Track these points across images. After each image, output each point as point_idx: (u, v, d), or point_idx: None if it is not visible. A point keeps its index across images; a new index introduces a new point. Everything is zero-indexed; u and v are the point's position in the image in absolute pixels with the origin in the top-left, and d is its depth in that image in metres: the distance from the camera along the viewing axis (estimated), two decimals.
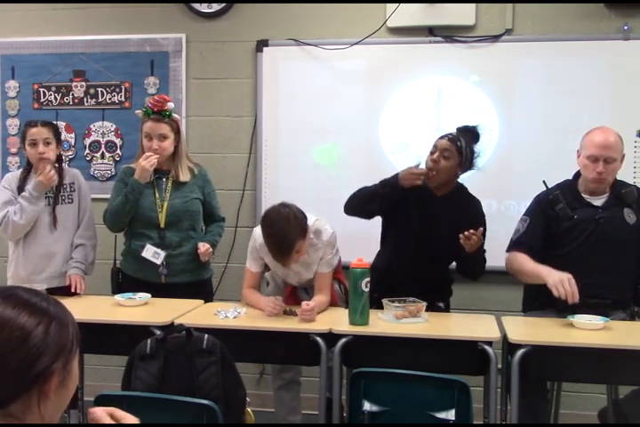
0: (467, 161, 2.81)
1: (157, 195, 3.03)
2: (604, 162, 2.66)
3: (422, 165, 2.81)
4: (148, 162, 2.91)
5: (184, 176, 3.05)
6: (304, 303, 2.59)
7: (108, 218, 3.03)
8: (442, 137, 2.83)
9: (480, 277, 2.91)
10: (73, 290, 2.96)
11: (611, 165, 2.68)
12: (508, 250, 2.83)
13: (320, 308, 2.70)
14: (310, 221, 2.78)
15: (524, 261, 2.70)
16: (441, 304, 2.92)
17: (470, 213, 2.86)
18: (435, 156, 2.78)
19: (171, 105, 3.02)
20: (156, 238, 3.01)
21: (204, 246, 3.00)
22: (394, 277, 2.86)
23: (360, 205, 2.83)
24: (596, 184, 2.73)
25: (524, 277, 2.74)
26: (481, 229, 2.66)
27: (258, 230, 2.80)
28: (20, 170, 3.15)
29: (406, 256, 2.86)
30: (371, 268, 2.57)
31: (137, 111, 3.10)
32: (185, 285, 3.03)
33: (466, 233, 2.62)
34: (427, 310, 2.65)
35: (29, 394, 0.99)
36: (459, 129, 2.87)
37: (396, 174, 2.76)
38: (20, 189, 3.03)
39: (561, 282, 2.48)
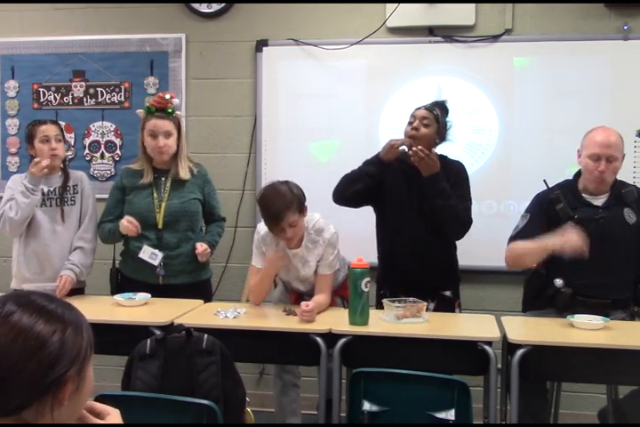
0: (443, 129, 2.87)
1: (156, 195, 3.02)
2: (605, 161, 2.66)
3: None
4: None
5: (184, 174, 3.04)
6: (303, 304, 2.59)
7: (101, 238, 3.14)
8: (418, 108, 2.88)
9: (459, 237, 2.87)
10: (58, 292, 2.90)
11: (612, 164, 2.68)
12: (508, 245, 2.82)
13: (319, 308, 2.70)
14: (314, 218, 2.82)
15: (522, 243, 2.69)
16: (447, 293, 2.89)
17: (452, 171, 2.86)
18: (415, 124, 2.82)
19: (175, 101, 3.01)
20: (154, 239, 3.00)
21: (201, 246, 2.97)
22: (398, 266, 2.87)
23: (347, 186, 2.87)
24: (597, 184, 2.72)
25: (526, 258, 2.70)
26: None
27: (261, 224, 2.81)
28: (26, 173, 3.12)
29: (406, 239, 2.85)
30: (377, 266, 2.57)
31: (138, 111, 3.08)
32: (183, 286, 3.02)
33: (413, 149, 2.71)
34: (434, 300, 2.69)
35: (43, 401, 0.99)
36: (430, 104, 2.92)
37: (378, 153, 2.84)
38: None
39: (566, 240, 2.51)
